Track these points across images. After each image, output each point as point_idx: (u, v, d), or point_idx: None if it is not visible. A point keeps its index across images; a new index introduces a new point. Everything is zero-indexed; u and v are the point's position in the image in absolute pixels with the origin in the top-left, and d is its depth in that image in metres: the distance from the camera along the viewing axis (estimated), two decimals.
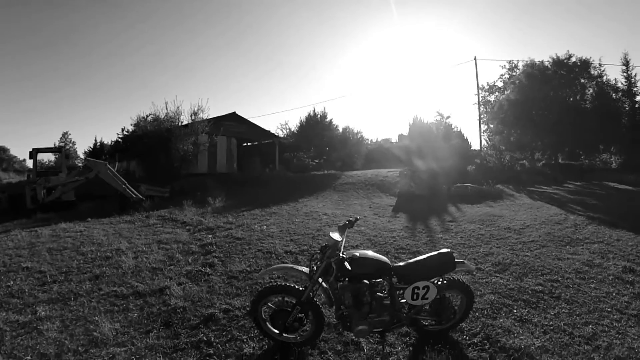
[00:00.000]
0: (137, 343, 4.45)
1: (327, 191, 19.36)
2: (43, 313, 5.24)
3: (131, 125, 28.40)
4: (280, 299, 4.37)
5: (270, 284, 4.59)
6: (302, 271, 4.35)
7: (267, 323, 4.42)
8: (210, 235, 9.30)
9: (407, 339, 4.50)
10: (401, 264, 4.39)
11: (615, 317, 5.03)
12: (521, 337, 4.43)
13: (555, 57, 34.40)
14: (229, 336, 4.60)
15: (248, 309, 4.81)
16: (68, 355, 4.22)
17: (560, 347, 4.26)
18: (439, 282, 4.26)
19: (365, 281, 4.09)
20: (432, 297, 4.09)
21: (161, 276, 6.55)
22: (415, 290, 4.05)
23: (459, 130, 37.07)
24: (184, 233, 9.90)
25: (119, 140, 30.70)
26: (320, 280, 4.19)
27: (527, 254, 7.68)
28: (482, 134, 37.70)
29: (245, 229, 10.01)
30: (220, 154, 31.43)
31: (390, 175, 21.58)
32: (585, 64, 33.90)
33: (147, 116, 25.47)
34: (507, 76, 40.31)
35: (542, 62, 34.56)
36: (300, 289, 4.31)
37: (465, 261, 4.68)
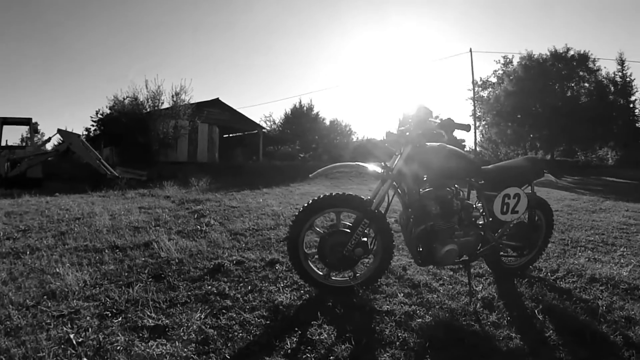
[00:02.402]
0: (115, 296, 3.06)
1: (319, 178, 18.33)
2: None
3: (107, 107, 26.60)
4: (335, 216, 3.20)
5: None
6: (372, 170, 3.22)
7: (309, 261, 3.18)
8: (199, 206, 7.85)
9: (484, 279, 3.67)
10: (489, 166, 3.57)
11: None
12: (604, 270, 3.92)
13: (553, 50, 34.46)
14: (249, 287, 3.27)
15: (286, 234, 3.45)
16: (9, 309, 2.81)
17: None
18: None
19: (450, 187, 3.23)
20: (522, 212, 3.39)
21: (145, 234, 5.13)
22: (506, 200, 3.29)
23: None
24: (168, 203, 8.45)
25: (93, 123, 28.85)
26: (395, 184, 3.10)
27: (559, 217, 7.07)
28: (476, 128, 37.19)
29: (240, 201, 8.63)
30: (201, 142, 29.93)
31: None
32: (583, 58, 34.00)
33: (124, 98, 23.81)
34: (501, 72, 39.95)
35: (541, 54, 34.57)
36: (366, 198, 3.11)
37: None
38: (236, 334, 2.50)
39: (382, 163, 3.16)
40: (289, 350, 2.32)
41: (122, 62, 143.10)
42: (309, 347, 2.35)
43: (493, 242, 3.37)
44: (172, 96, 24.10)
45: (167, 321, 2.63)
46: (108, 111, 25.40)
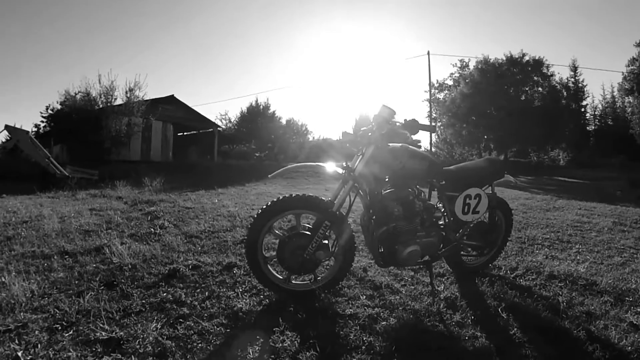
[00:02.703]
0: (65, 307, 2.88)
1: (275, 178, 18.15)
2: None
3: (57, 102, 25.44)
4: (294, 218, 3.12)
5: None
6: (333, 170, 3.18)
7: (269, 265, 3.11)
8: (152, 207, 7.60)
9: (445, 278, 3.70)
10: (451, 167, 3.59)
11: (631, 251, 5.12)
12: (562, 267, 4.11)
13: (508, 55, 35.64)
14: (207, 293, 3.15)
15: (244, 237, 3.33)
16: None
17: (604, 271, 4.10)
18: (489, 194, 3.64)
19: (411, 188, 3.19)
20: (483, 212, 3.46)
21: (96, 238, 4.90)
22: (467, 200, 3.34)
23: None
24: (120, 204, 8.15)
25: (43, 119, 27.44)
26: (356, 185, 3.04)
27: (515, 215, 7.13)
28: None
29: (195, 201, 8.42)
30: (155, 140, 29.20)
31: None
32: (538, 63, 35.22)
33: (76, 93, 22.91)
34: (457, 75, 41.09)
35: (497, 59, 35.66)
36: (327, 200, 3.05)
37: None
38: (195, 344, 2.39)
39: (343, 163, 3.11)
40: None
41: (75, 55, 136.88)
42: (273, 356, 2.28)
43: (454, 242, 3.41)
44: (126, 92, 23.42)
45: (121, 333, 2.49)
46: (59, 107, 24.35)
